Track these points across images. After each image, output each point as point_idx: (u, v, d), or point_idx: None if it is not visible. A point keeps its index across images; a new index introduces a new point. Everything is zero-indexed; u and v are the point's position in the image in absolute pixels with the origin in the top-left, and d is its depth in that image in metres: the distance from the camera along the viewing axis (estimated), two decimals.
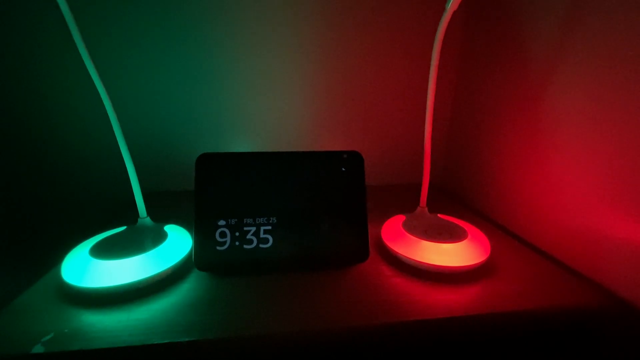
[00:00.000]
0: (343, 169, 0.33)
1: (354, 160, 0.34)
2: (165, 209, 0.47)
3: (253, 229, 0.32)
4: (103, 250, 0.31)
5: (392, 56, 0.53)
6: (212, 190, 0.32)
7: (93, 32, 0.47)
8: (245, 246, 0.32)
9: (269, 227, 0.32)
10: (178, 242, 0.34)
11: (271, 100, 0.53)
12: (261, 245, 0.32)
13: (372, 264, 0.34)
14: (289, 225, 0.32)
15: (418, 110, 0.56)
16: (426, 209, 0.38)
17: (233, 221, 0.32)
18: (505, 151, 0.44)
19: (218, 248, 0.31)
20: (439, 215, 0.39)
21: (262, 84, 0.52)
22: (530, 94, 0.39)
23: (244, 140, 0.54)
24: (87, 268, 0.29)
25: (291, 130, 0.55)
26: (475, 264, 0.31)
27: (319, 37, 0.51)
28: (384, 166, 0.59)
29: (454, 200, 0.54)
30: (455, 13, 0.30)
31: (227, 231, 0.32)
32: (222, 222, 0.32)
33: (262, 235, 0.32)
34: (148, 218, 0.36)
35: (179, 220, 0.38)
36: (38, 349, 0.23)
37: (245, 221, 0.32)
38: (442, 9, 0.30)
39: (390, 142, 0.58)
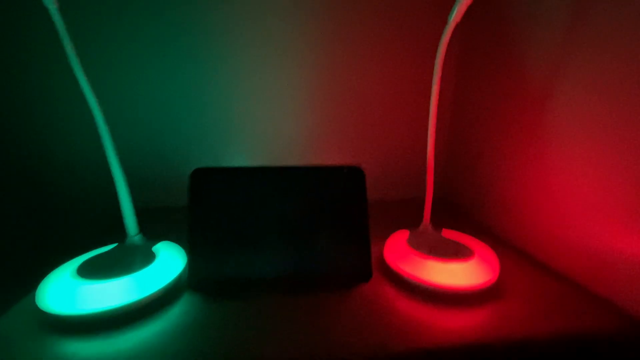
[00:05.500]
0: (344, 172, 0.32)
1: (354, 175, 0.33)
2: (160, 225, 0.45)
3: (249, 247, 0.30)
4: (87, 272, 0.29)
5: (393, 65, 0.53)
6: (206, 207, 0.30)
7: (83, 42, 0.45)
8: (240, 265, 0.30)
9: (266, 246, 0.30)
10: (170, 262, 0.32)
11: (268, 112, 0.52)
12: (258, 265, 0.30)
13: (374, 285, 0.32)
14: (287, 243, 0.31)
15: (419, 121, 0.55)
16: (430, 224, 0.37)
17: (228, 239, 0.30)
18: (508, 162, 0.43)
19: (213, 267, 0.29)
20: (443, 230, 0.37)
21: (258, 95, 0.51)
22: (532, 103, 0.38)
23: (239, 153, 0.53)
24: (68, 291, 0.27)
25: (289, 143, 0.54)
26: (485, 284, 0.30)
27: (316, 47, 0.50)
28: (383, 180, 0.58)
29: (456, 214, 0.53)
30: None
31: (222, 250, 0.30)
32: (216, 240, 0.30)
33: (258, 254, 0.30)
34: (139, 236, 0.34)
35: (173, 237, 0.36)
36: None
37: (241, 239, 0.30)
38: (444, 17, 0.30)
39: (390, 155, 0.57)
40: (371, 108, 0.54)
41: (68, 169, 0.50)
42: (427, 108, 0.54)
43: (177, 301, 0.29)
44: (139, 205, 0.52)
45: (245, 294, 0.30)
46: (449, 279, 0.30)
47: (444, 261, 0.31)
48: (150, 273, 0.30)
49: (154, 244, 0.34)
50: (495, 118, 0.45)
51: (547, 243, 0.37)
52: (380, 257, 0.36)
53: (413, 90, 0.54)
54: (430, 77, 0.52)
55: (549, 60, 0.36)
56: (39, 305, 0.26)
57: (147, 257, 0.31)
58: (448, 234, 0.37)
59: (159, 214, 0.50)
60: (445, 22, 0.30)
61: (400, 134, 0.56)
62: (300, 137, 0.54)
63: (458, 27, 0.30)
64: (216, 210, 0.30)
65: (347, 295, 0.30)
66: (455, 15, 0.29)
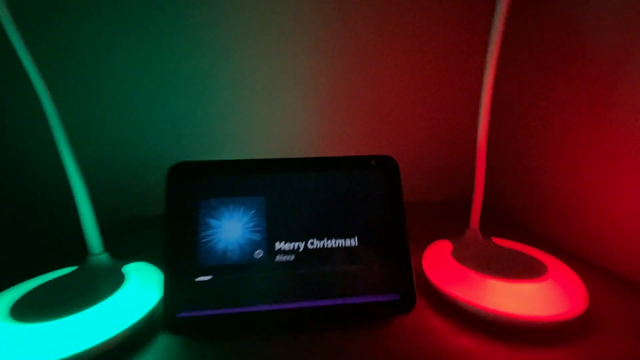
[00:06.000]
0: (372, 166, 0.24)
1: (385, 167, 0.25)
2: (144, 239, 0.37)
3: (249, 269, 0.22)
4: (25, 309, 0.21)
5: (419, 50, 0.45)
6: (191, 215, 0.23)
7: (72, 36, 0.39)
8: (237, 295, 0.22)
9: (271, 267, 0.22)
10: (142, 290, 0.24)
11: (271, 103, 0.44)
12: (260, 292, 0.22)
13: (418, 316, 0.24)
14: (299, 262, 0.23)
15: (454, 110, 0.47)
16: (479, 232, 0.29)
17: (221, 258, 0.22)
18: (571, 156, 0.34)
19: (199, 299, 0.21)
20: (494, 239, 0.29)
21: (258, 84, 0.43)
22: (598, 91, 0.31)
23: (240, 153, 0.45)
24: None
25: (296, 138, 0.46)
26: (574, 311, 0.21)
27: (330, 28, 0.43)
28: (407, 180, 0.49)
29: (499, 220, 0.43)
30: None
31: (213, 274, 0.22)
32: (205, 261, 0.22)
33: (262, 279, 0.22)
34: (105, 254, 0.26)
35: (152, 255, 0.28)
36: None
37: (237, 258, 0.22)
38: None
39: (414, 152, 0.48)
40: (393, 97, 0.46)
41: (19, 171, 0.41)
42: (463, 95, 0.47)
43: (148, 347, 0.21)
44: (124, 216, 0.45)
45: (243, 334, 0.22)
46: (522, 306, 0.22)
47: (512, 281, 0.23)
48: (113, 307, 0.22)
49: (125, 264, 0.26)
50: (552, 101, 0.37)
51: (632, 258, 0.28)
52: (419, 274, 0.28)
53: (446, 76, 0.46)
54: (466, 62, 0.45)
55: (622, 25, 0.29)
56: None
57: (112, 284, 0.23)
58: (503, 244, 0.29)
59: (148, 225, 0.42)
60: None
61: (430, 125, 0.47)
62: (309, 131, 0.46)
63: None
64: (203, 218, 0.22)
65: (381, 331, 0.22)
66: None
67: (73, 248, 0.28)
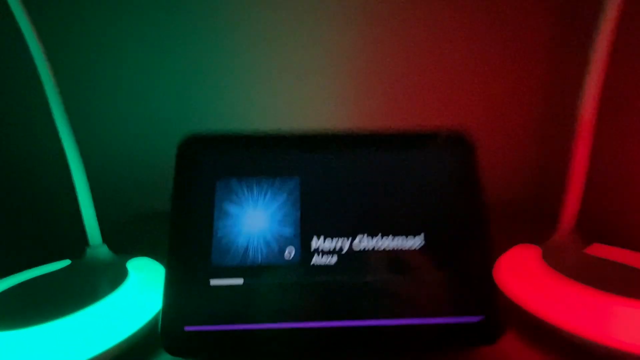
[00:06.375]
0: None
1: (457, 147, 0.19)
2: (150, 236, 0.33)
3: (276, 274, 0.17)
4: (3, 310, 0.17)
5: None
6: (204, 200, 0.18)
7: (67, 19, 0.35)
8: (261, 307, 0.16)
9: (305, 271, 0.17)
10: (146, 290, 0.19)
11: (307, 70, 0.38)
12: (291, 306, 0.17)
13: (507, 347, 0.17)
14: (342, 266, 0.17)
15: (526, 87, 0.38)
16: (578, 235, 0.22)
17: (241, 257, 0.17)
18: None
19: (212, 310, 0.16)
20: (591, 246, 0.22)
21: (292, 47, 0.37)
22: None
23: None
24: None
25: (338, 111, 0.39)
26: None
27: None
28: None
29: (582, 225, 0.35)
30: None
31: (230, 277, 0.17)
32: (220, 260, 0.17)
33: (293, 287, 0.17)
34: (104, 247, 0.22)
35: (162, 252, 0.24)
36: None
37: (262, 258, 0.17)
38: None
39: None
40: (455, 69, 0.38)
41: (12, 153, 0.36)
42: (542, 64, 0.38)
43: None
44: (135, 209, 0.41)
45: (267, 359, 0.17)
46: None
47: None
48: (108, 311, 0.17)
49: (128, 259, 0.22)
50: None
51: None
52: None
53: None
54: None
55: None
56: None
57: (109, 283, 0.19)
58: (598, 250, 0.22)
59: (162, 218, 0.38)
60: None
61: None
62: (360, 104, 0.39)
63: None
64: (219, 204, 0.17)
65: None
66: None
67: (73, 241, 0.24)
